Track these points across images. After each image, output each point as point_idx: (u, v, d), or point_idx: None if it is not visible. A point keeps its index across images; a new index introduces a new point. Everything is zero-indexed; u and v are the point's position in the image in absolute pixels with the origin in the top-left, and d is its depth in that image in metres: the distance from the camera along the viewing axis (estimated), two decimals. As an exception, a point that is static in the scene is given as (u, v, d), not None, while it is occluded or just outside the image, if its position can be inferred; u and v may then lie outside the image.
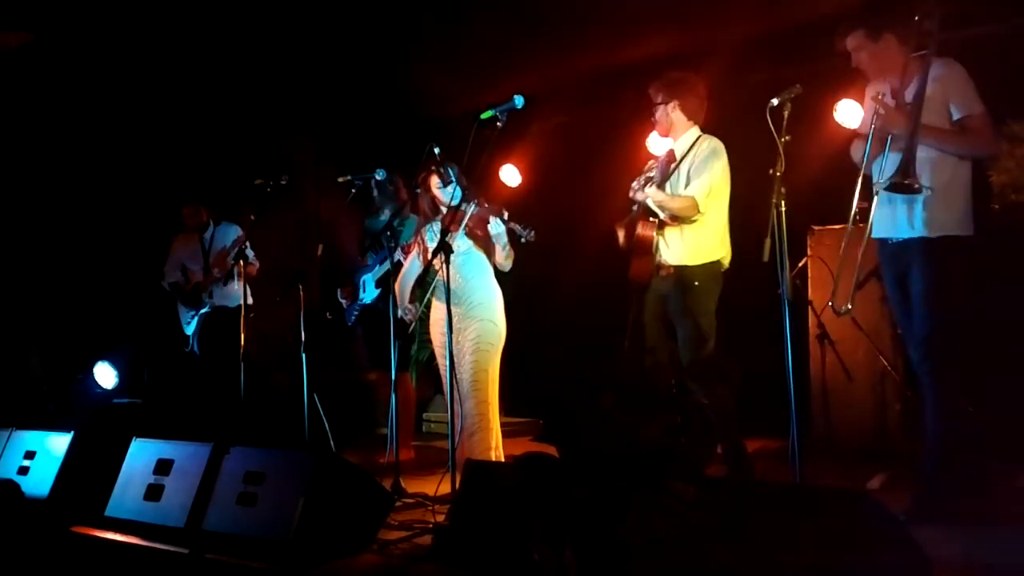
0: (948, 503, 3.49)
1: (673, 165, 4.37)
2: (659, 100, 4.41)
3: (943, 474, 3.55)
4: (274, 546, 3.31)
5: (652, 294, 4.39)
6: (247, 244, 5.44)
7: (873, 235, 3.79)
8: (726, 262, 4.31)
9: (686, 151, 4.35)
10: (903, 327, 3.82)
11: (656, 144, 5.17)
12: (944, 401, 3.56)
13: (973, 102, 3.53)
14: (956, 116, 3.53)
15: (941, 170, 3.55)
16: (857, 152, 3.74)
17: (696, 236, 4.28)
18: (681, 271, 4.28)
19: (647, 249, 4.33)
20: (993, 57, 4.78)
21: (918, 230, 3.58)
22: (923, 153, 3.55)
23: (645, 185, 4.31)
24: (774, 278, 3.42)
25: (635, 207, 4.44)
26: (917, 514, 3.32)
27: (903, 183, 3.37)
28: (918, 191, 3.39)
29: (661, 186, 4.32)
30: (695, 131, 4.41)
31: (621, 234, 4.51)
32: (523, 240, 4.47)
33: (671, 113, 4.39)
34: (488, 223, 4.48)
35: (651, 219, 4.34)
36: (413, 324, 4.92)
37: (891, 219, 3.67)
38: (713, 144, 4.31)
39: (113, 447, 4.17)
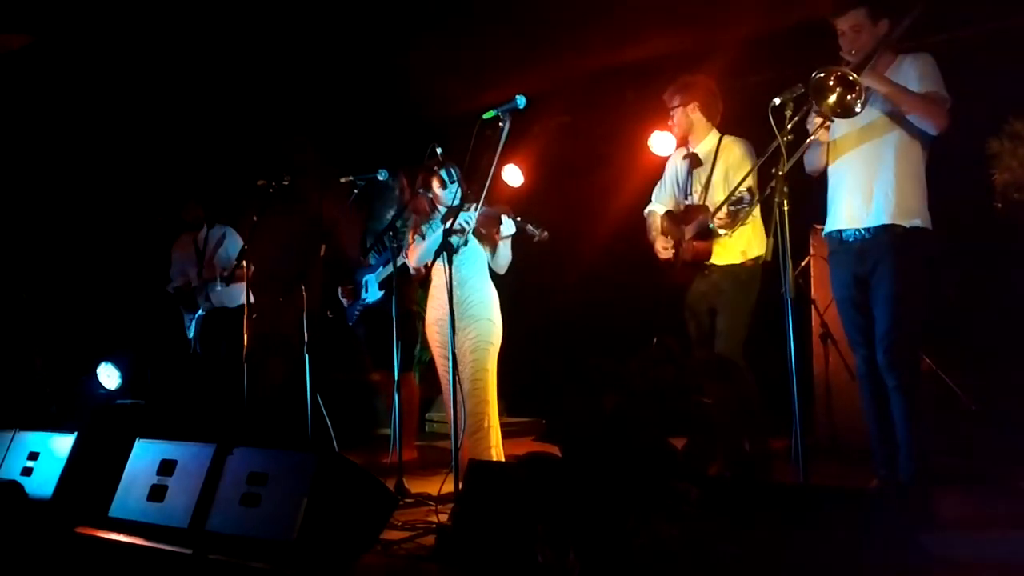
0: (927, 502, 3.47)
1: (697, 168, 4.37)
2: (676, 104, 4.39)
3: (921, 475, 3.52)
4: (277, 547, 3.31)
5: (692, 289, 4.39)
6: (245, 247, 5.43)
7: (832, 228, 3.75)
8: (768, 255, 4.17)
9: (713, 154, 4.33)
10: (856, 328, 3.74)
11: (658, 144, 5.18)
12: (915, 405, 3.52)
13: (939, 85, 3.53)
14: (921, 92, 3.51)
15: (907, 158, 3.56)
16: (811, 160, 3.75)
17: (744, 235, 4.23)
18: (730, 268, 4.26)
19: (705, 258, 4.28)
20: (994, 56, 4.78)
21: (889, 216, 3.54)
22: (891, 139, 3.56)
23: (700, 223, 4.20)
24: (777, 277, 3.41)
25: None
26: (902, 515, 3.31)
27: (849, 71, 3.30)
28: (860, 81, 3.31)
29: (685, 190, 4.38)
30: (715, 133, 4.40)
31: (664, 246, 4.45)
32: (536, 239, 4.48)
33: (691, 115, 4.39)
34: (500, 222, 4.49)
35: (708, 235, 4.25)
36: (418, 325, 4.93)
37: (856, 208, 3.63)
38: (745, 145, 4.30)
39: (116, 448, 4.17)
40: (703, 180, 4.35)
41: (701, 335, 4.39)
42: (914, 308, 3.53)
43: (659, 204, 4.65)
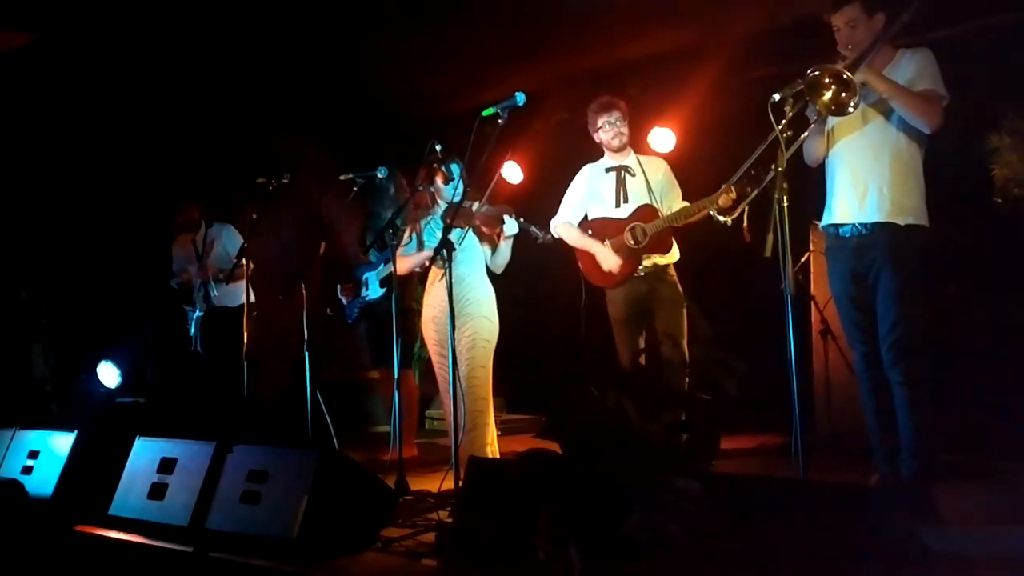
0: (928, 498, 3.46)
1: (632, 179, 4.71)
2: (623, 119, 4.73)
3: (923, 472, 3.52)
4: (278, 544, 3.31)
5: (622, 294, 4.66)
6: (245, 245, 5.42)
7: (828, 222, 3.73)
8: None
9: (639, 166, 4.71)
10: (854, 323, 3.73)
11: (658, 140, 5.20)
12: (919, 401, 3.52)
13: (937, 82, 3.52)
14: (918, 89, 3.51)
15: (904, 154, 3.55)
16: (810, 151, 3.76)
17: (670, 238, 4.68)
18: (665, 269, 4.65)
19: (667, 250, 4.64)
20: (994, 51, 4.78)
21: (884, 214, 3.54)
22: (888, 135, 3.55)
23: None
24: (776, 273, 3.41)
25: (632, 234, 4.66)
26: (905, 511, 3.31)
27: (843, 69, 3.31)
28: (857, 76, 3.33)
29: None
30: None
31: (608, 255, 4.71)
32: (539, 241, 4.51)
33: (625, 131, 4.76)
34: (502, 222, 4.48)
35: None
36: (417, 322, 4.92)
37: (851, 203, 3.62)
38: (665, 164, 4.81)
39: (117, 446, 4.18)
40: (643, 188, 4.66)
41: (635, 346, 4.64)
42: (915, 305, 3.53)
43: (571, 218, 4.85)
